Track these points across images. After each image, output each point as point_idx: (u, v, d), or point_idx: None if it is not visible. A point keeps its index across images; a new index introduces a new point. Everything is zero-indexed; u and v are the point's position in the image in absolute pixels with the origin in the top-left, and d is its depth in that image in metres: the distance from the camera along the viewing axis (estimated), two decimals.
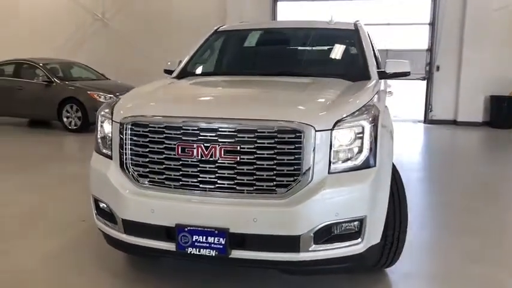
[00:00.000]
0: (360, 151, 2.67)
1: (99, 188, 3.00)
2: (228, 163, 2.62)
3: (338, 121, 2.63)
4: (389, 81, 4.75)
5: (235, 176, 2.62)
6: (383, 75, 3.87)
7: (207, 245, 2.63)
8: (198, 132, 2.65)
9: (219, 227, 2.59)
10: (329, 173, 2.61)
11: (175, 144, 2.68)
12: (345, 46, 4.27)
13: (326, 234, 2.62)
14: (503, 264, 3.57)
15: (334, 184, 2.59)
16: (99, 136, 3.08)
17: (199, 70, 4.13)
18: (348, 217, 2.61)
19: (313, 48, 4.34)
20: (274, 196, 2.59)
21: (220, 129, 2.62)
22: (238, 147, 2.59)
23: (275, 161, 2.57)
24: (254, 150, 2.58)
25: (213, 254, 2.62)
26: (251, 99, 3.19)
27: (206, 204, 2.65)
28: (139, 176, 2.80)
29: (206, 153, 2.63)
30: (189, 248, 2.65)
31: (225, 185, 2.64)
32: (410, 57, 9.32)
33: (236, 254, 2.64)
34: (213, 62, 4.36)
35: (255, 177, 2.60)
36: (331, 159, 2.62)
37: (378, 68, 3.96)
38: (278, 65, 4.05)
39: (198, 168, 2.67)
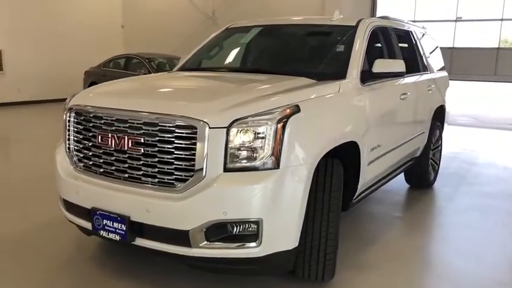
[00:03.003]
0: (260, 152, 2.58)
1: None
2: (136, 154, 2.74)
3: (236, 120, 2.57)
4: None
5: (141, 166, 2.73)
6: (368, 75, 3.59)
7: (113, 229, 2.79)
8: (113, 122, 2.82)
9: (121, 214, 2.74)
10: (224, 171, 2.57)
11: (98, 133, 2.89)
12: (332, 44, 4.03)
13: (221, 233, 2.60)
14: None
15: (224, 182, 2.55)
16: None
17: (192, 65, 4.26)
18: (237, 218, 2.55)
19: (299, 45, 4.17)
20: (174, 190, 2.64)
21: (129, 121, 2.75)
22: (143, 139, 2.70)
23: (174, 155, 2.62)
24: (156, 143, 2.66)
25: (117, 239, 2.78)
26: (165, 93, 3.26)
27: (115, 191, 2.80)
28: (78, 161, 3.07)
29: (118, 143, 2.78)
30: (101, 231, 2.85)
31: (134, 175, 2.77)
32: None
33: (139, 241, 2.76)
34: (210, 59, 4.45)
35: (157, 169, 2.68)
36: (227, 158, 2.57)
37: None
38: (256, 63, 4.01)
39: (114, 157, 2.84)
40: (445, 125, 5.96)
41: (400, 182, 5.49)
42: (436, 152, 5.65)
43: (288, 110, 2.68)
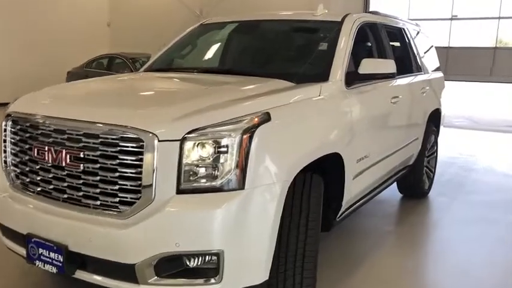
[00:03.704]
0: (222, 169, 2.15)
1: None
2: (75, 171, 2.30)
3: (193, 130, 2.15)
4: None
5: (81, 186, 2.30)
6: (353, 76, 3.17)
7: (49, 260, 2.36)
8: (50, 133, 2.38)
9: (58, 242, 2.31)
10: (177, 192, 2.14)
11: (33, 146, 2.45)
12: (315, 42, 3.61)
13: (174, 267, 2.17)
14: None
15: (177, 207, 2.12)
16: None
17: (160, 65, 3.81)
18: (192, 250, 2.12)
19: (277, 43, 3.73)
20: (118, 215, 2.21)
21: (68, 132, 2.32)
22: (82, 153, 2.26)
23: (118, 173, 2.19)
24: (98, 158, 2.23)
25: (54, 271, 2.35)
26: (113, 99, 2.74)
27: (52, 215, 2.37)
28: (16, 177, 2.63)
29: (55, 157, 2.35)
30: (37, 261, 2.41)
31: (74, 196, 2.33)
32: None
33: (79, 274, 2.33)
34: (182, 58, 4.00)
35: (99, 190, 2.25)
36: (181, 177, 2.14)
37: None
38: (229, 63, 3.58)
39: (51, 174, 2.40)
40: (441, 128, 5.55)
41: (392, 191, 5.07)
42: (431, 158, 5.24)
43: (256, 119, 2.25)
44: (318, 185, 2.63)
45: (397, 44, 4.53)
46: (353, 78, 3.17)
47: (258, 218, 2.22)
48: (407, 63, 4.59)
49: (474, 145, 9.05)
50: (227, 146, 2.15)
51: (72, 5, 15.40)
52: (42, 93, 2.92)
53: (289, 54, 3.55)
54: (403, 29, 4.73)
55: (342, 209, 3.11)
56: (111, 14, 16.66)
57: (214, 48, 4.07)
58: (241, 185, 2.16)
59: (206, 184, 2.15)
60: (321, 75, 3.07)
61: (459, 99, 16.13)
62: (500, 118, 13.79)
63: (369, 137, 3.33)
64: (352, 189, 3.14)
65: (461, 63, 13.82)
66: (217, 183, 2.15)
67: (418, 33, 5.29)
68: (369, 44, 3.80)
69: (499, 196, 5.41)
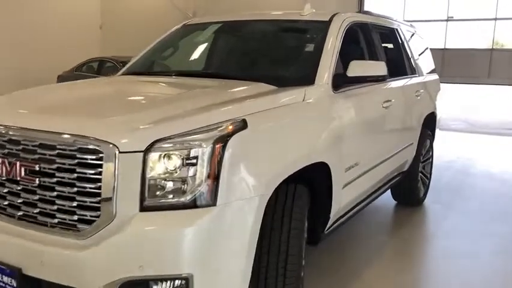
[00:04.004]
0: (192, 183, 1.93)
1: None
2: (31, 186, 2.08)
3: (158, 140, 1.93)
4: None
5: (37, 202, 2.07)
6: (341, 79, 2.96)
7: (3, 284, 2.13)
8: (5, 144, 2.16)
9: (11, 264, 2.08)
10: (141, 210, 1.92)
11: None
12: (300, 42, 3.40)
13: None
14: None
15: (140, 225, 1.90)
16: None
17: (139, 68, 3.57)
18: (158, 274, 1.90)
19: (261, 44, 3.50)
20: (77, 234, 1.98)
21: (22, 142, 2.10)
22: (38, 166, 2.04)
23: (76, 188, 1.97)
24: (54, 171, 2.01)
25: None
26: (74, 106, 2.49)
27: (6, 235, 2.13)
28: None
29: (9, 170, 2.12)
30: None
31: (30, 213, 2.11)
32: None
33: None
34: (163, 60, 3.78)
35: (56, 206, 2.03)
36: (145, 192, 1.92)
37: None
38: (211, 65, 3.37)
39: (6, 189, 2.17)
40: (437, 131, 5.35)
41: (386, 198, 4.86)
42: (426, 164, 5.03)
43: (231, 126, 2.04)
44: (302, 196, 2.42)
45: (390, 45, 4.33)
46: (341, 81, 2.96)
47: (232, 237, 2.00)
48: (400, 65, 4.38)
49: (471, 148, 8.86)
50: (197, 158, 1.93)
51: (64, 7, 15.18)
52: (6, 99, 2.70)
53: (274, 56, 3.32)
54: (396, 29, 4.53)
55: (330, 222, 2.89)
56: (103, 17, 16.45)
57: (196, 50, 3.85)
58: (213, 200, 1.94)
59: (173, 200, 1.93)
60: (307, 78, 2.86)
61: (455, 101, 15.95)
62: (497, 121, 13.61)
63: (358, 144, 3.12)
64: (341, 200, 2.93)
65: (457, 65, 13.61)
66: (186, 199, 1.93)
67: (413, 34, 5.10)
68: (359, 45, 3.59)
69: (496, 204, 5.20)
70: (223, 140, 1.97)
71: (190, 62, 3.78)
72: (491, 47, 14.30)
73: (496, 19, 12.73)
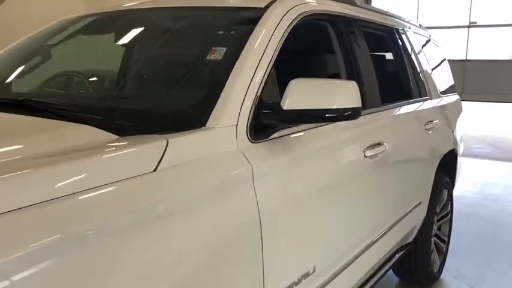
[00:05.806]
0: None
1: None
2: None
3: None
4: None
5: None
6: (273, 115, 1.52)
7: None
8: None
9: None
10: None
11: None
12: (202, 49, 1.91)
13: None
14: None
15: None
16: None
17: None
18: None
19: (161, 48, 2.04)
20: None
21: None
22: None
23: None
24: None
25: None
26: None
27: None
28: None
29: None
30: None
31: None
32: None
33: None
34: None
35: None
36: None
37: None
38: (38, 88, 1.94)
39: None
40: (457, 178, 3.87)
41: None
42: (443, 223, 3.53)
43: None
44: None
45: (385, 54, 2.90)
46: (272, 117, 1.53)
47: None
48: (402, 84, 2.94)
49: (501, 182, 7.21)
50: None
51: (47, 10, 14.05)
52: None
53: (153, 71, 1.89)
54: (399, 31, 3.10)
55: None
56: None
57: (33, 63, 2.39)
58: None
59: None
60: (192, 114, 1.43)
61: (478, 118, 14.28)
62: None
63: (311, 236, 1.67)
64: None
65: (482, 80, 11.95)
66: None
67: (427, 41, 3.69)
68: (324, 53, 2.15)
69: None
70: None
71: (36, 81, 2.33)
72: None
73: None
